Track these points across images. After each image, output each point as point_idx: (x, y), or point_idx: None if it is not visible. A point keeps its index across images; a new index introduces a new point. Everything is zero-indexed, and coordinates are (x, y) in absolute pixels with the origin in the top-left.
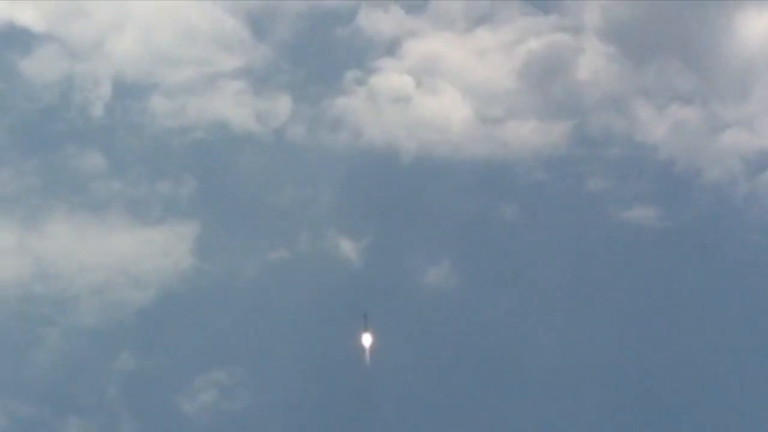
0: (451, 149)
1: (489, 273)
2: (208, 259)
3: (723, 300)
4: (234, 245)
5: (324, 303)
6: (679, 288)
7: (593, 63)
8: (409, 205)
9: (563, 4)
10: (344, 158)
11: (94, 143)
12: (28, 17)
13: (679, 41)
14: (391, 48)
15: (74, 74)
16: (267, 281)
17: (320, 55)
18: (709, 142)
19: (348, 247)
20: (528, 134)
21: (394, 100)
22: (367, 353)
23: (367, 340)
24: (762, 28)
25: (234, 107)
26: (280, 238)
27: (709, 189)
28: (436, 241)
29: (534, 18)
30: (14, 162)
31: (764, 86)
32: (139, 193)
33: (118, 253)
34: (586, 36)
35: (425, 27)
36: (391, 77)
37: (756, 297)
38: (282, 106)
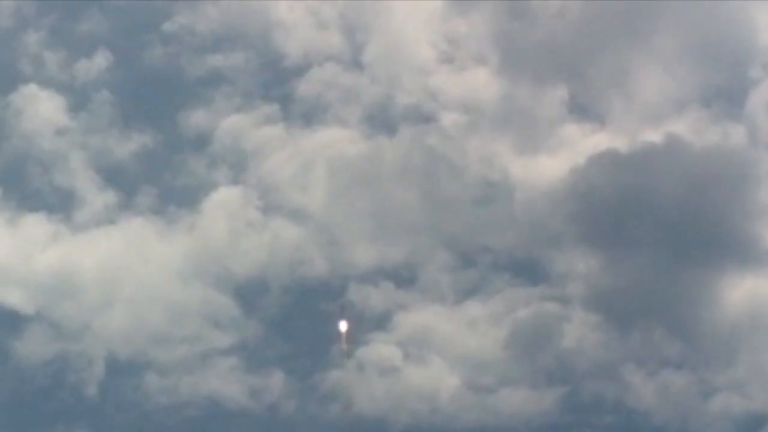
0: (441, 419)
1: None
2: None
3: None
4: None
5: None
6: None
7: (579, 331)
8: None
9: (551, 274)
10: (336, 430)
11: (86, 422)
12: (17, 299)
13: (663, 308)
14: (382, 321)
15: (68, 354)
16: None
17: (311, 330)
18: (700, 407)
19: None
20: (519, 402)
21: (382, 371)
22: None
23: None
24: (743, 293)
25: (227, 384)
26: None
27: None
28: None
29: (523, 289)
30: None
31: (750, 350)
32: None
33: None
34: (572, 305)
35: (415, 300)
36: (379, 349)
37: None
38: (275, 381)
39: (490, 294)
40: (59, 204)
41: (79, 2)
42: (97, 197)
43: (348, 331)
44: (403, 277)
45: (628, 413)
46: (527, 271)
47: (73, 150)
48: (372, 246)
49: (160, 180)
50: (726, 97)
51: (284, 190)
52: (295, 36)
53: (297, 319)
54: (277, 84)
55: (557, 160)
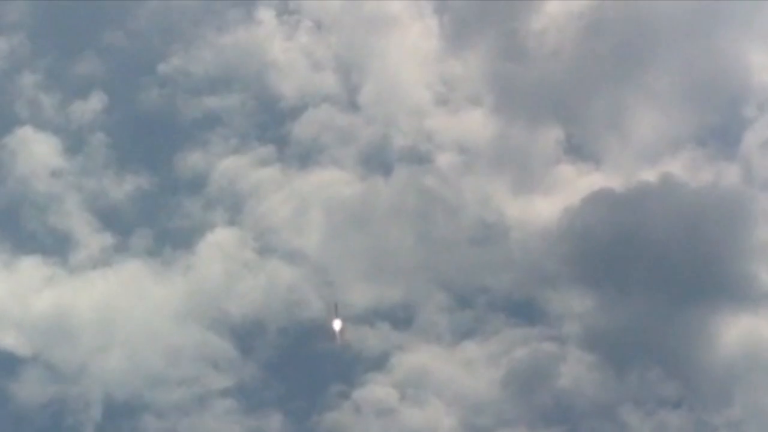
0: None
1: None
2: None
3: None
4: None
5: None
6: None
7: (575, 371)
8: None
9: (547, 314)
10: None
11: None
12: (13, 342)
13: (659, 348)
14: (379, 362)
15: (65, 396)
16: None
17: (308, 371)
18: None
19: None
20: None
21: (379, 412)
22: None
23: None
24: (739, 332)
25: (225, 426)
26: None
27: None
28: None
29: (520, 329)
30: None
31: (746, 389)
32: None
33: None
34: (568, 345)
35: (412, 341)
36: (376, 390)
37: None
38: (272, 422)
39: (486, 334)
40: (55, 246)
41: (74, 45)
42: (92, 239)
43: (342, 330)
44: (400, 318)
45: None
46: (524, 311)
47: (68, 192)
48: (368, 287)
49: (156, 222)
50: (720, 136)
51: (280, 232)
52: (290, 77)
53: (294, 360)
54: (272, 125)
55: (553, 200)
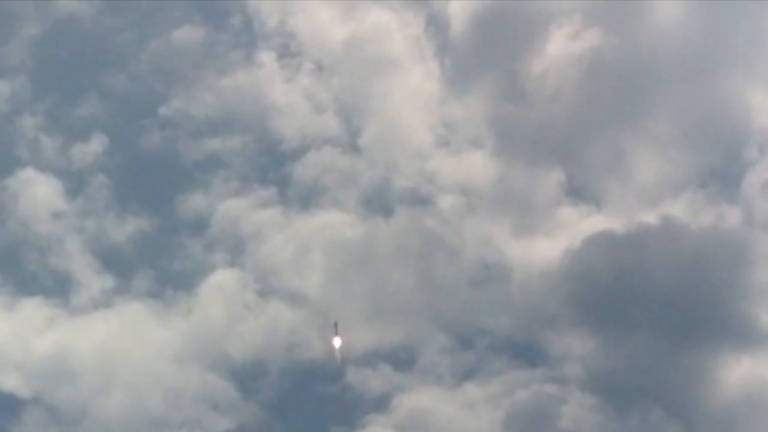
0: None
1: None
2: None
3: None
4: None
5: None
6: None
7: (577, 413)
8: None
9: (549, 356)
10: None
11: None
12: (14, 383)
13: (660, 389)
14: (380, 404)
15: None
16: None
17: (309, 413)
18: None
19: None
20: None
21: None
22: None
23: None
24: (740, 374)
25: None
26: None
27: None
28: None
29: (521, 371)
30: None
31: (747, 431)
32: None
33: None
34: (569, 387)
35: (413, 383)
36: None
37: None
38: None
39: (488, 376)
40: (56, 288)
41: (75, 87)
42: (94, 281)
43: (342, 349)
44: (401, 360)
45: None
46: (525, 353)
47: (69, 234)
48: (369, 328)
49: (157, 263)
50: (721, 178)
51: (281, 273)
52: (291, 120)
53: (295, 401)
54: (273, 168)
55: (554, 242)
